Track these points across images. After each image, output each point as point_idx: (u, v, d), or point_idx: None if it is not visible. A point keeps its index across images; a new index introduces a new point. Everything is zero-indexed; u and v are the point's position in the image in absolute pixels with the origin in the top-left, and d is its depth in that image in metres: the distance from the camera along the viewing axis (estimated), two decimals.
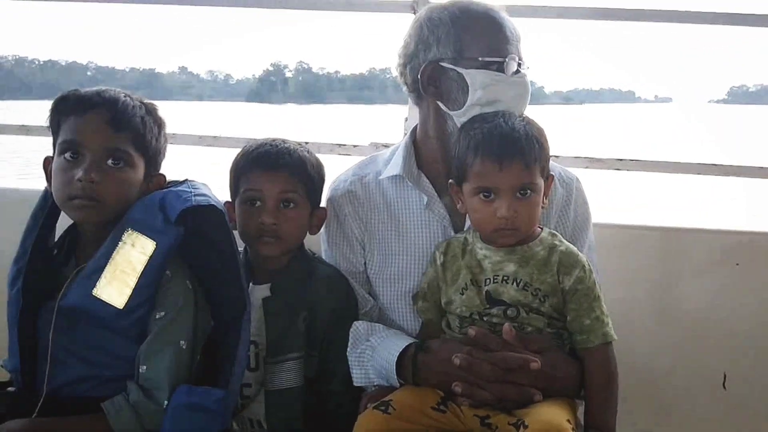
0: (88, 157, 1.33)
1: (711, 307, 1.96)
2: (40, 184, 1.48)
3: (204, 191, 1.40)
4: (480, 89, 1.43)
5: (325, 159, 1.64)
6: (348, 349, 1.47)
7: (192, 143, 2.23)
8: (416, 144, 1.59)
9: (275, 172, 1.48)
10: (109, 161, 1.35)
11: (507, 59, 1.44)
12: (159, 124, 1.45)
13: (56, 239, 1.47)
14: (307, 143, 2.13)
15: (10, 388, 1.42)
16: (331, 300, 1.50)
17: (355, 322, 1.50)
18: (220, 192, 1.49)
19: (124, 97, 1.39)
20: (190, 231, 1.35)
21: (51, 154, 1.41)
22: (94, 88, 1.40)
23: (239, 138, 2.18)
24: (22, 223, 1.45)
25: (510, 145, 1.32)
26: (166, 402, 1.31)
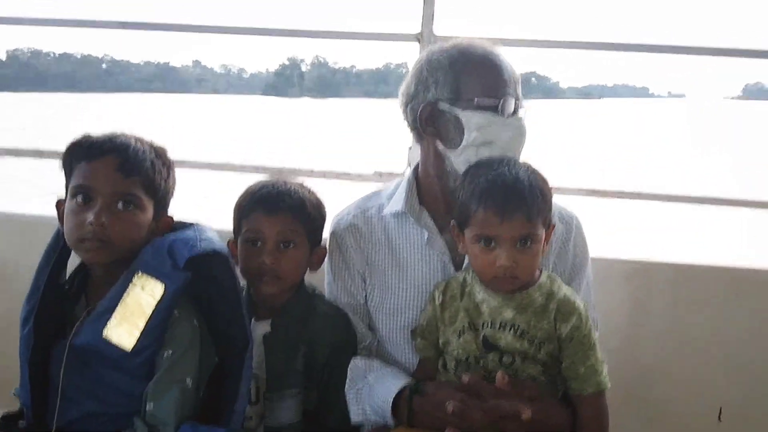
0: (98, 201, 1.38)
1: (708, 340, 1.98)
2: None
3: (209, 236, 1.45)
4: (475, 130, 1.46)
5: (330, 186, 1.68)
6: (346, 386, 1.51)
7: (201, 167, 2.27)
8: (418, 180, 1.63)
9: (275, 214, 1.52)
10: (119, 205, 1.39)
11: (502, 101, 1.46)
12: (168, 166, 1.49)
13: (67, 276, 1.52)
14: (312, 171, 2.19)
15: (21, 422, 1.47)
16: (330, 336, 1.54)
17: (353, 359, 1.54)
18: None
19: (135, 142, 1.44)
20: (196, 274, 1.39)
21: (63, 196, 1.46)
22: (107, 133, 1.45)
23: (245, 165, 2.24)
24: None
25: (513, 196, 1.34)
26: None
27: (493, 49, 1.52)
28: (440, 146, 1.52)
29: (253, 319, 1.56)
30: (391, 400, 1.42)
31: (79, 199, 1.39)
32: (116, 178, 1.39)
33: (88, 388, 1.41)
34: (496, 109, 1.46)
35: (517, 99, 1.50)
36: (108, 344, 1.37)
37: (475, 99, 1.47)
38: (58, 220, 1.47)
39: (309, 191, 1.60)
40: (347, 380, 1.51)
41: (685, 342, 1.99)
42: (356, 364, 1.53)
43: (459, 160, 1.49)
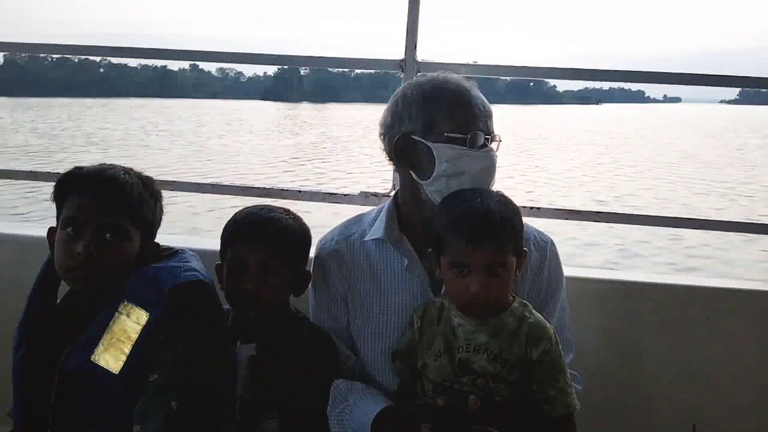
0: (87, 232, 1.44)
1: (681, 360, 2.03)
2: None
3: (193, 265, 1.51)
4: (445, 161, 1.53)
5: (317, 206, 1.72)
6: (329, 407, 1.56)
7: (191, 190, 2.31)
8: (398, 207, 1.69)
9: (258, 242, 1.56)
10: (107, 236, 1.46)
11: (471, 135, 1.53)
12: (155, 197, 1.56)
13: (57, 302, 1.57)
14: (300, 191, 2.24)
15: None
16: (314, 359, 1.59)
17: (336, 381, 1.59)
18: None
19: (123, 174, 1.50)
20: (180, 302, 1.45)
21: (54, 226, 1.52)
22: (96, 166, 1.52)
23: (234, 186, 2.29)
24: None
25: (484, 226, 1.40)
26: None
27: (466, 84, 1.59)
28: (414, 176, 1.59)
29: (239, 342, 1.61)
30: (369, 423, 1.47)
31: (69, 230, 1.45)
32: (105, 210, 1.46)
33: (78, 410, 1.46)
34: (465, 142, 1.53)
35: (487, 133, 1.56)
36: (96, 368, 1.43)
37: (446, 133, 1.54)
38: (48, 248, 1.53)
39: (293, 218, 1.64)
40: (330, 402, 1.56)
41: (659, 361, 2.04)
42: (338, 386, 1.58)
43: (431, 189, 1.56)
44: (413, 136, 1.57)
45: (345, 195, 2.23)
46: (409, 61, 2.09)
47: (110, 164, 1.54)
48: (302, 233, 1.65)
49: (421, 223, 1.63)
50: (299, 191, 2.23)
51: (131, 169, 1.55)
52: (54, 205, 1.52)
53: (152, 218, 1.55)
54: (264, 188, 2.26)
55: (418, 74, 2.02)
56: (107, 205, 1.46)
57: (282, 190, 2.26)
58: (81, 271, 1.44)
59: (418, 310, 1.56)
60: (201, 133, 29.85)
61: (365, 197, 2.18)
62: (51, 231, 1.52)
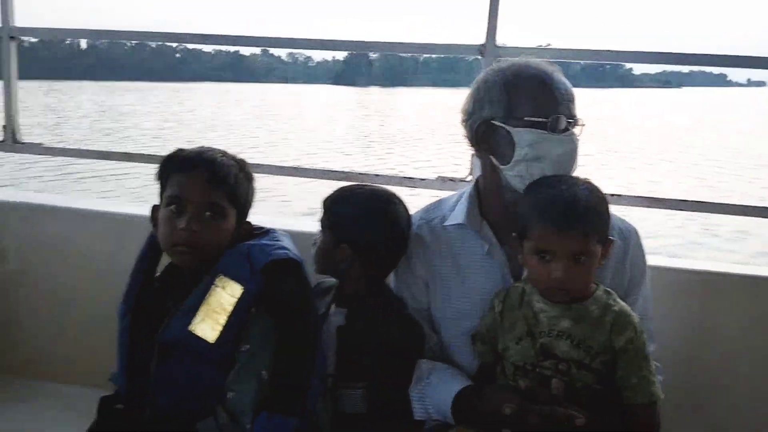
0: (189, 209, 1.54)
1: (763, 351, 1.98)
2: None
3: (284, 244, 1.59)
4: (526, 146, 1.53)
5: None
6: (411, 385, 1.61)
7: (273, 173, 2.37)
8: (479, 192, 1.71)
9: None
10: (207, 213, 1.55)
11: (552, 119, 1.52)
12: (249, 178, 1.64)
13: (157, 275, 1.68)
14: (377, 175, 2.28)
15: (118, 405, 1.65)
16: (400, 335, 1.64)
17: (420, 361, 1.64)
18: None
19: (221, 156, 1.59)
20: (271, 278, 1.53)
21: (157, 203, 1.62)
22: (196, 148, 1.61)
23: (315, 169, 2.36)
24: None
25: (570, 213, 1.40)
26: (249, 426, 1.49)
27: (547, 68, 1.58)
28: (495, 161, 1.60)
29: (333, 306, 1.70)
30: (451, 400, 1.51)
31: (173, 207, 1.55)
32: (205, 189, 1.55)
33: (175, 377, 1.56)
34: (546, 126, 1.52)
35: (570, 117, 1.55)
36: (193, 338, 1.52)
37: (526, 117, 1.53)
38: (152, 225, 1.63)
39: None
40: (413, 380, 1.61)
41: (740, 351, 1.99)
42: (420, 365, 1.63)
43: (512, 174, 1.56)
44: (494, 122, 1.58)
45: (422, 179, 2.26)
46: (489, 47, 2.09)
47: (208, 147, 1.63)
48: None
49: (502, 209, 1.64)
50: (377, 175, 2.27)
51: (226, 152, 1.63)
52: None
53: (246, 198, 1.63)
54: (342, 172, 2.33)
55: (499, 59, 2.02)
56: (208, 185, 1.54)
57: (360, 173, 2.32)
58: (184, 246, 1.53)
59: (500, 294, 1.58)
60: (278, 117, 30.32)
61: (442, 182, 2.21)
62: (155, 208, 1.62)
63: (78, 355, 2.39)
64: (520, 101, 1.55)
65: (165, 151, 1.65)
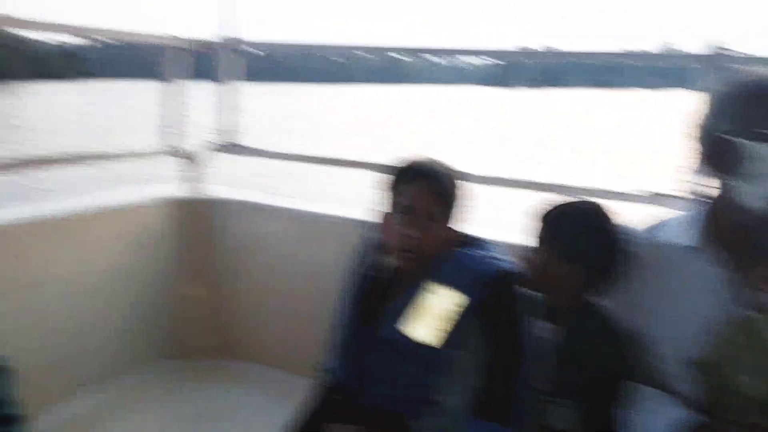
0: (415, 216, 1.63)
1: None
2: None
3: (501, 255, 1.65)
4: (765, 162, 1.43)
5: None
6: (622, 407, 1.57)
7: (478, 182, 2.38)
8: (710, 213, 1.62)
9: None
10: (431, 222, 1.64)
11: None
12: (461, 189, 1.71)
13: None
14: (585, 189, 2.23)
15: (335, 396, 1.77)
16: (613, 354, 1.61)
17: (632, 383, 1.59)
18: None
19: (439, 167, 1.68)
20: (491, 290, 1.58)
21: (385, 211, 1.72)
22: (420, 160, 1.70)
23: (515, 179, 2.36)
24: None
25: None
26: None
27: None
28: (730, 179, 1.51)
29: (540, 319, 1.68)
30: (669, 430, 1.46)
31: (403, 215, 1.64)
32: (429, 198, 1.63)
33: (390, 373, 1.66)
34: None
35: None
36: (407, 338, 1.60)
37: (765, 131, 1.43)
38: (377, 230, 1.74)
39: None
40: (624, 402, 1.57)
41: None
42: (635, 388, 1.58)
43: (747, 192, 1.47)
44: (729, 137, 1.50)
45: (633, 194, 2.18)
46: (713, 57, 1.98)
47: (428, 158, 1.72)
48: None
49: (733, 230, 1.55)
50: (585, 188, 2.22)
51: (444, 163, 1.71)
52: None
53: (457, 207, 1.70)
54: (540, 183, 2.31)
55: (724, 68, 1.91)
56: (434, 196, 1.64)
57: (560, 186, 2.28)
58: (409, 252, 1.63)
59: (730, 324, 1.49)
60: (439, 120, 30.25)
61: (656, 198, 2.11)
62: (381, 215, 1.72)
63: (283, 342, 2.60)
64: (758, 114, 1.45)
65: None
